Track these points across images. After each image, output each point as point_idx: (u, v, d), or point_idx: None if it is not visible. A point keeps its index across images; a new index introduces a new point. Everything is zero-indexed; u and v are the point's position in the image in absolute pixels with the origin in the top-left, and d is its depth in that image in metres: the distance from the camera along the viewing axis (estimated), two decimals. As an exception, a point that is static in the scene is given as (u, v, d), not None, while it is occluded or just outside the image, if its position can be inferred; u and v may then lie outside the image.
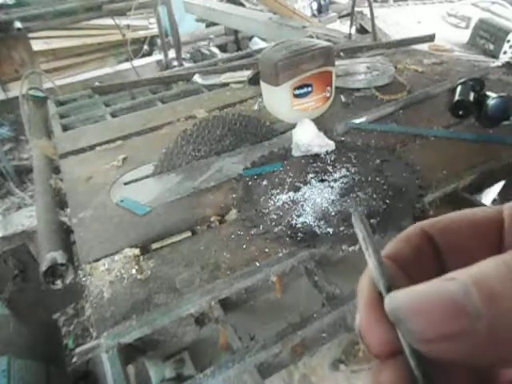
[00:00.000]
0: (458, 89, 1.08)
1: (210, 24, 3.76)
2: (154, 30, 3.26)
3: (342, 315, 0.64)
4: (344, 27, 2.41)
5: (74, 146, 1.12)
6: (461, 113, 1.04)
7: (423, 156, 0.90)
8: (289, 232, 0.71)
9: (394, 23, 2.01)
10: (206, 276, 0.65)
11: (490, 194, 1.24)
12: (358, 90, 1.25)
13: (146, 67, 2.95)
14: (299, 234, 0.70)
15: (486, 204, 1.07)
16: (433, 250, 0.21)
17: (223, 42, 3.70)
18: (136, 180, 0.93)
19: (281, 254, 0.68)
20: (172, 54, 2.89)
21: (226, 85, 1.44)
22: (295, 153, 0.94)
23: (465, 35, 1.76)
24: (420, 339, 0.15)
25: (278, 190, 0.82)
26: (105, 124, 1.28)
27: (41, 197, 0.93)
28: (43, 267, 0.72)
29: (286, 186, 0.83)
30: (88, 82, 2.47)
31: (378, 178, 0.83)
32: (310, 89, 1.07)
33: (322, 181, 0.84)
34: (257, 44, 3.28)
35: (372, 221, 0.71)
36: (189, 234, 0.76)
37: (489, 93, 1.02)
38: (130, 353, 0.66)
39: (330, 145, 0.95)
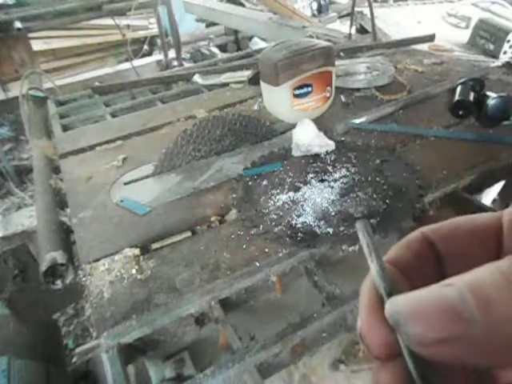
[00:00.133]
0: (458, 89, 1.08)
1: (210, 24, 3.76)
2: (154, 30, 3.26)
3: (342, 315, 0.64)
4: (344, 27, 2.41)
5: (74, 146, 1.12)
6: (461, 113, 1.04)
7: (423, 156, 0.90)
8: (289, 232, 0.71)
9: (393, 23, 2.01)
10: (206, 276, 0.65)
11: (490, 194, 1.24)
12: (358, 89, 1.25)
13: (146, 67, 2.95)
14: (299, 234, 0.70)
15: (486, 204, 1.07)
16: (434, 256, 0.21)
17: (223, 42, 3.70)
18: (136, 180, 0.93)
19: (281, 254, 0.68)
20: (172, 54, 2.89)
21: (226, 85, 1.44)
22: (295, 153, 0.94)
23: (465, 35, 1.76)
24: (418, 342, 0.16)
25: (278, 190, 0.82)
26: (105, 124, 1.28)
27: (41, 197, 0.93)
28: (43, 267, 0.72)
29: (286, 186, 0.83)
30: (88, 82, 2.47)
31: (378, 178, 0.83)
32: (309, 89, 1.07)
33: (322, 181, 0.84)
34: (257, 44, 3.28)
35: (372, 221, 0.71)
36: (189, 234, 0.76)
37: (489, 93, 1.02)
38: (130, 353, 0.66)
39: (330, 145, 0.95)
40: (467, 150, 0.92)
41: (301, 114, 1.08)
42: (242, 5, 3.09)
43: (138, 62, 2.83)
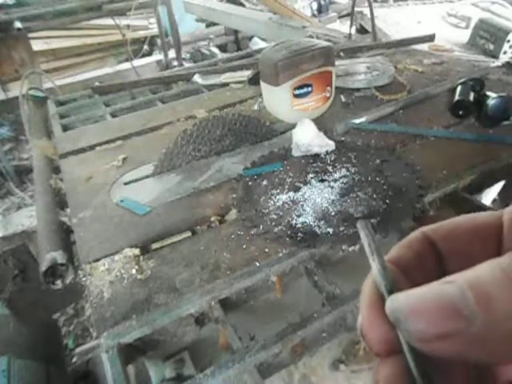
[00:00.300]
0: (458, 89, 1.08)
1: (210, 24, 3.76)
2: (154, 30, 3.26)
3: (342, 315, 0.64)
4: (344, 27, 2.41)
5: (74, 146, 1.12)
6: (461, 113, 1.04)
7: (423, 156, 0.90)
8: (289, 232, 0.71)
9: (394, 23, 2.01)
10: (206, 276, 0.65)
11: (490, 194, 1.24)
12: (358, 89, 1.25)
13: (146, 67, 2.95)
14: (299, 234, 0.70)
15: (486, 204, 1.07)
16: (434, 255, 0.22)
17: (223, 42, 3.70)
18: (136, 180, 0.93)
19: (281, 254, 0.68)
20: (172, 54, 2.89)
21: (226, 85, 1.44)
22: (295, 153, 0.94)
23: (465, 35, 1.76)
24: (419, 338, 0.16)
25: (278, 190, 0.82)
26: (105, 124, 1.28)
27: (41, 197, 0.93)
28: (43, 267, 0.72)
29: (286, 186, 0.83)
30: (88, 82, 2.47)
31: (378, 178, 0.83)
32: (309, 89, 1.07)
33: (322, 181, 0.84)
34: (257, 44, 3.28)
35: (372, 221, 0.71)
36: (189, 234, 0.76)
37: (489, 93, 1.02)
38: (130, 353, 0.66)
39: (330, 145, 0.95)
40: (467, 150, 0.92)
41: (301, 113, 1.08)
42: (242, 5, 3.09)
43: (137, 62, 2.83)
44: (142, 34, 3.52)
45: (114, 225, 0.79)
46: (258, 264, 0.66)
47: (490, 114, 0.97)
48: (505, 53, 1.53)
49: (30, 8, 2.51)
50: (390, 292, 0.18)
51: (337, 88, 1.16)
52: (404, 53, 1.55)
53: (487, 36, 1.60)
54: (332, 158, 0.92)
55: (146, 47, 3.30)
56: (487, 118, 0.98)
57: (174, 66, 2.81)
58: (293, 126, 1.01)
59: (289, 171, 0.89)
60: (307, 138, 0.94)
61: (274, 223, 0.74)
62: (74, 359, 0.57)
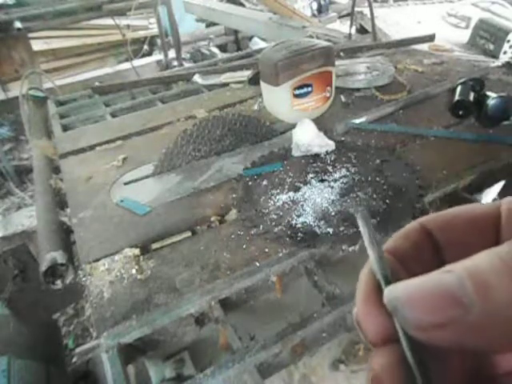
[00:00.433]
0: (458, 89, 1.08)
1: (210, 24, 3.76)
2: (154, 30, 3.26)
3: (342, 315, 0.64)
4: (344, 27, 2.41)
5: (74, 146, 1.12)
6: (461, 113, 1.04)
7: (423, 156, 0.90)
8: (289, 232, 0.71)
9: (394, 23, 2.01)
10: (206, 276, 0.65)
11: (489, 194, 1.24)
12: (358, 89, 1.25)
13: (146, 67, 2.95)
14: (299, 234, 0.70)
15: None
16: (432, 245, 0.21)
17: (223, 42, 3.70)
18: (136, 180, 0.93)
19: (281, 254, 0.68)
20: (172, 54, 2.89)
21: (226, 85, 1.44)
22: (295, 153, 0.94)
23: (465, 35, 1.76)
24: (415, 326, 0.16)
25: (278, 190, 0.82)
26: (105, 124, 1.28)
27: (41, 197, 0.93)
28: (43, 267, 0.72)
29: (286, 186, 0.83)
30: (88, 82, 2.47)
31: (378, 178, 0.83)
32: (310, 89, 1.07)
33: (322, 181, 0.84)
34: (257, 44, 3.28)
35: (372, 221, 0.71)
36: (189, 234, 0.76)
37: (489, 93, 1.02)
38: (130, 353, 0.66)
39: (330, 145, 0.95)
40: (467, 150, 0.92)
41: (301, 113, 1.08)
42: (242, 5, 3.09)
43: (137, 62, 2.83)
44: (142, 33, 3.52)
45: (114, 225, 0.79)
46: (257, 264, 0.66)
47: (490, 113, 0.97)
48: (505, 53, 1.53)
49: (30, 8, 2.51)
50: (387, 282, 0.18)
51: (337, 88, 1.16)
52: (404, 53, 1.55)
53: (487, 36, 1.60)
54: (332, 158, 0.92)
55: (145, 47, 3.30)
56: (487, 117, 0.98)
57: (174, 66, 2.81)
58: (293, 126, 1.01)
59: (289, 171, 0.89)
60: (307, 137, 0.94)
61: (273, 223, 0.74)
62: (74, 359, 0.57)
